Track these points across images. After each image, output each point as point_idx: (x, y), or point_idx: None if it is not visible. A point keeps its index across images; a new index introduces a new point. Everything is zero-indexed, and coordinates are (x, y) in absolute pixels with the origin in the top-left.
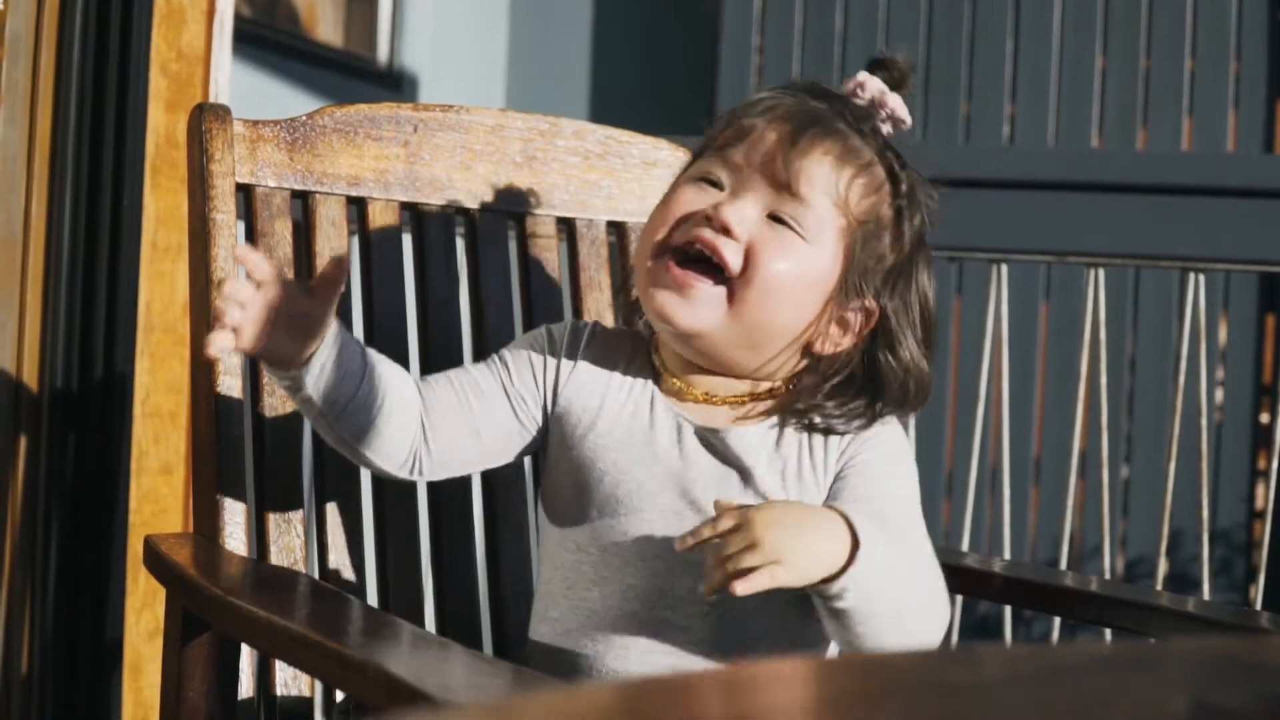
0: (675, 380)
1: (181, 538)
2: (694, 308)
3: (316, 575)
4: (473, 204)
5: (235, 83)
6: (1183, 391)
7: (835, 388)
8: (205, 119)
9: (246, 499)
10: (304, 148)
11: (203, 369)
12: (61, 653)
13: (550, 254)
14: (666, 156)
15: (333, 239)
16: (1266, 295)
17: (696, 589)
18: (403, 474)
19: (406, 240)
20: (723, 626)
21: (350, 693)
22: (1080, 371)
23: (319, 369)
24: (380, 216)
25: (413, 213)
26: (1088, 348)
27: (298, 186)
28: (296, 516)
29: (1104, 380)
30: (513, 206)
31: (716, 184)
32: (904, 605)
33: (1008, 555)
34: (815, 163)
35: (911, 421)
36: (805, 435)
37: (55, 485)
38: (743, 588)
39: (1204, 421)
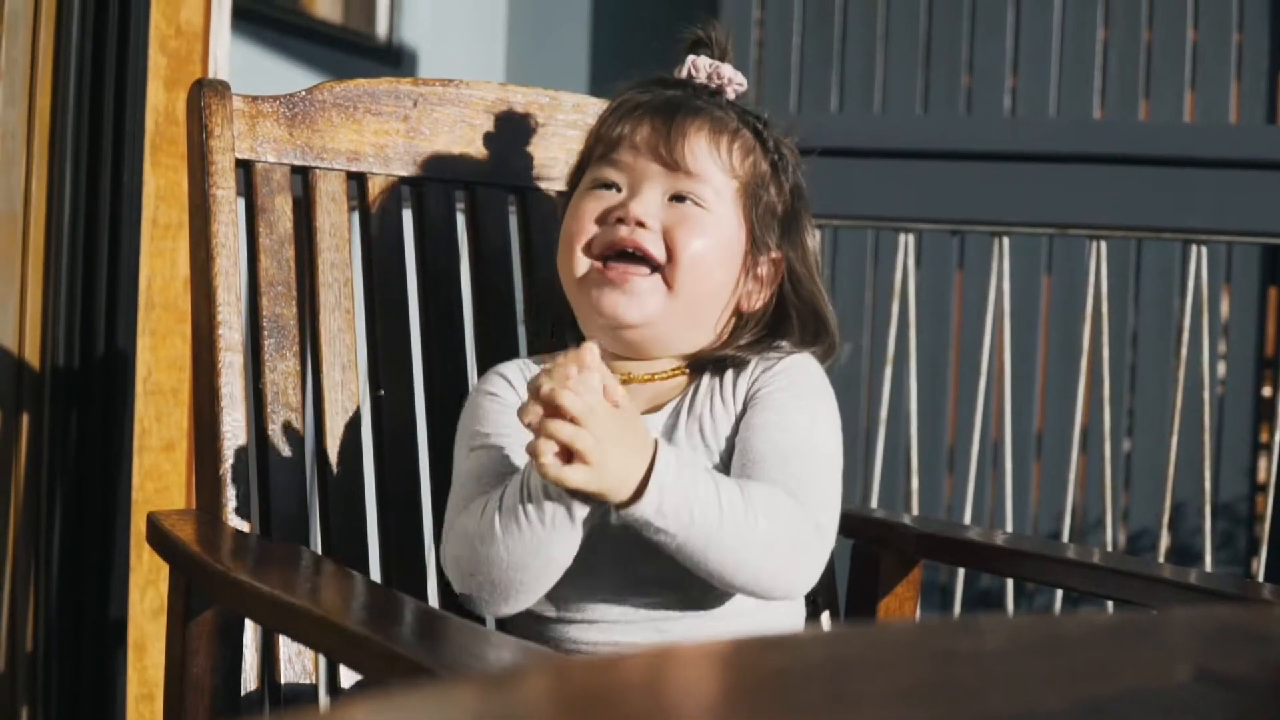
0: None
1: (184, 514)
2: (639, 299)
3: (319, 550)
4: (473, 178)
5: (234, 59)
6: (1185, 364)
7: (756, 339)
8: (205, 95)
9: (249, 475)
10: (304, 123)
11: (204, 346)
12: (66, 631)
13: (552, 228)
14: None
15: (333, 214)
16: (1269, 267)
17: (660, 570)
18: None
19: (407, 216)
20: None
21: (353, 668)
22: (1082, 345)
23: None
24: (380, 191)
25: (413, 187)
26: (1089, 321)
27: (298, 162)
28: (299, 492)
29: (1106, 353)
30: (513, 181)
31: (612, 187)
32: (719, 544)
33: (1010, 529)
34: (694, 139)
35: (914, 393)
36: (716, 380)
37: (58, 463)
38: (553, 473)
39: (1206, 395)
